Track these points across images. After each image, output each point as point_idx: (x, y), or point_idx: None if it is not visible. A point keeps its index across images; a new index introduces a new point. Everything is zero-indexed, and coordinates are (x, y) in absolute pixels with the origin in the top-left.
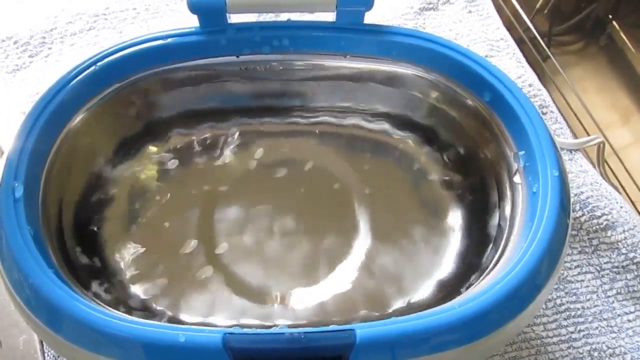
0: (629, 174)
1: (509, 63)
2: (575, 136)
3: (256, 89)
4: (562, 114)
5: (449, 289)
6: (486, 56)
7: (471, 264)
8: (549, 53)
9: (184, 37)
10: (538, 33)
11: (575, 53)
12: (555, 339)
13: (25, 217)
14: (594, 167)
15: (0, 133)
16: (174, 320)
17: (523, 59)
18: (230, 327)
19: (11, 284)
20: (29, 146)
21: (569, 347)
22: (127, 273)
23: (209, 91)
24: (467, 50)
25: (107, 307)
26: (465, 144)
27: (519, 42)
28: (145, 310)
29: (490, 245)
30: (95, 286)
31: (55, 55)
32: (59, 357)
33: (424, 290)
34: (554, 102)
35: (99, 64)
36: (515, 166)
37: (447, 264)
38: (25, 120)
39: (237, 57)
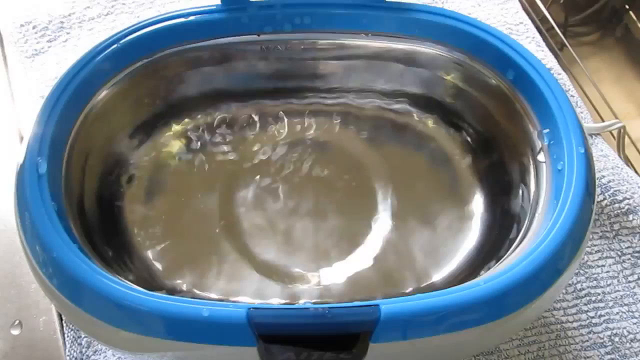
0: None
1: (528, 47)
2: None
3: (277, 68)
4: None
5: (470, 270)
6: None
7: (494, 243)
8: (565, 42)
9: (205, 14)
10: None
11: (591, 44)
12: (575, 324)
13: (48, 192)
14: (615, 151)
15: (20, 117)
16: (196, 297)
17: (543, 43)
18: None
19: (34, 258)
20: (52, 122)
21: (589, 332)
22: (148, 250)
23: (230, 71)
24: (491, 27)
25: (128, 282)
26: (487, 123)
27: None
28: (166, 286)
29: (514, 225)
30: (115, 262)
31: (73, 40)
32: (79, 337)
33: (445, 269)
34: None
35: (120, 42)
36: (539, 144)
37: (469, 244)
38: (48, 98)
39: (258, 35)
